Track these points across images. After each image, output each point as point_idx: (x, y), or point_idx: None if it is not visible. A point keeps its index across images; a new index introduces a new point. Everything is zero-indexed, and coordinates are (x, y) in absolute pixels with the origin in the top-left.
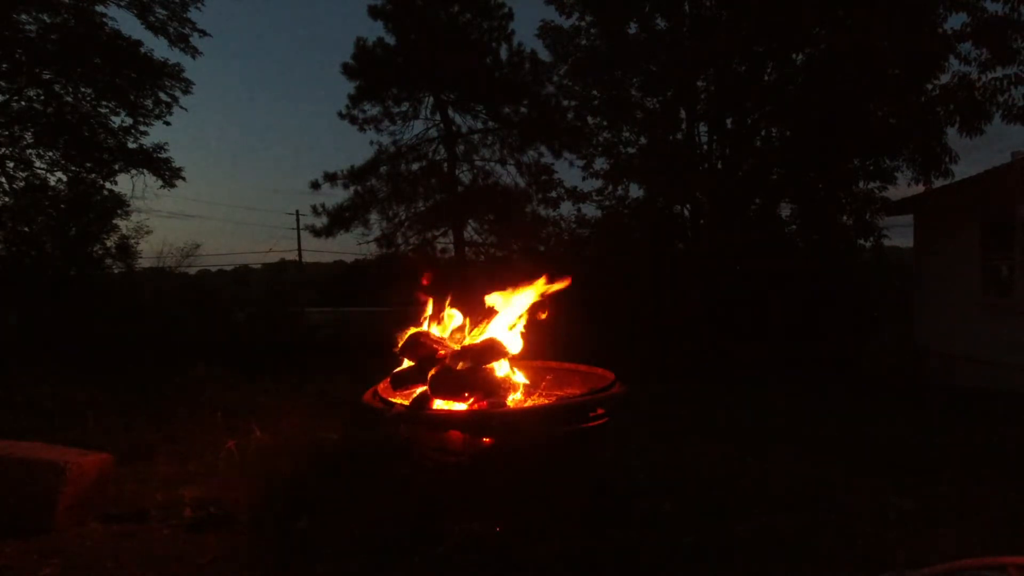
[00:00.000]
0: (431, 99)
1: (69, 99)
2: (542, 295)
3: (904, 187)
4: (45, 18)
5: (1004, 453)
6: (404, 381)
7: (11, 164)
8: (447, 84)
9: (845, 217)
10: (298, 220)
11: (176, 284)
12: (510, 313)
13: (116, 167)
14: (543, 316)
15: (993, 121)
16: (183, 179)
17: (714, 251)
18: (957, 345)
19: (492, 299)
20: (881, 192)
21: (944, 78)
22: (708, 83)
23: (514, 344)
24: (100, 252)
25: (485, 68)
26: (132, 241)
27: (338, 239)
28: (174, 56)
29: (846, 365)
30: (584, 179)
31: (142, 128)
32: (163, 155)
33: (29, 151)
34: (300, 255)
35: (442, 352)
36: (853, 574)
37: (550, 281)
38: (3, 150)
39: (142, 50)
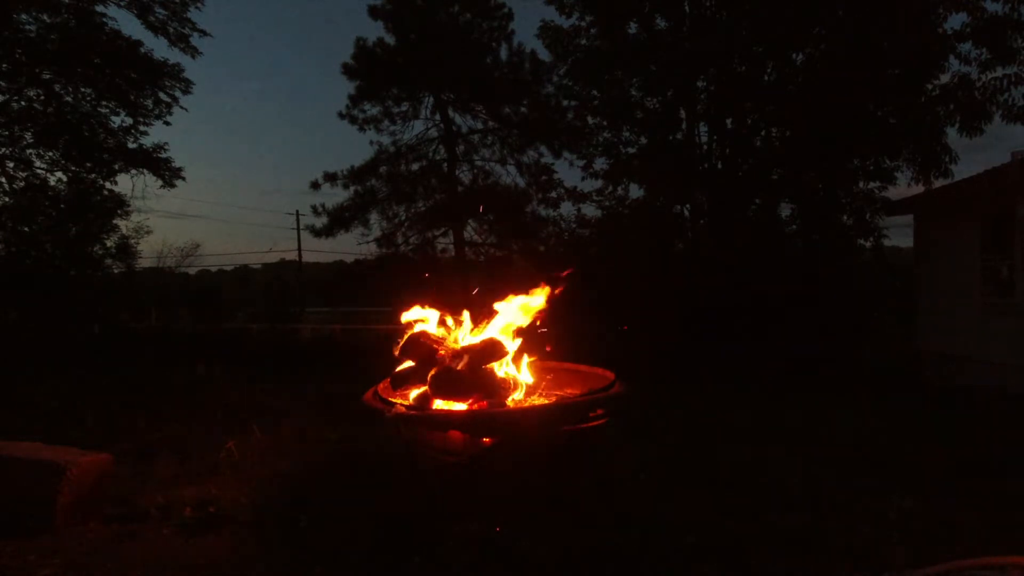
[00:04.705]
0: (431, 99)
1: (69, 99)
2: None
3: (904, 187)
4: (45, 18)
5: (1004, 453)
6: (404, 381)
7: (11, 164)
8: (447, 84)
9: (845, 217)
10: (298, 220)
11: (176, 284)
12: (511, 316)
13: (116, 167)
14: (543, 328)
15: (993, 121)
16: (183, 179)
17: (714, 251)
18: (957, 345)
19: (497, 304)
20: (881, 192)
21: (944, 78)
22: (708, 83)
23: (513, 345)
24: (100, 252)
25: (485, 68)
26: (132, 241)
27: (338, 239)
28: (174, 56)
29: (846, 365)
30: (584, 179)
31: (142, 128)
32: (163, 155)
33: (29, 151)
34: (300, 255)
35: (442, 352)
36: (853, 574)
37: (548, 284)
38: (3, 150)
39: (142, 50)
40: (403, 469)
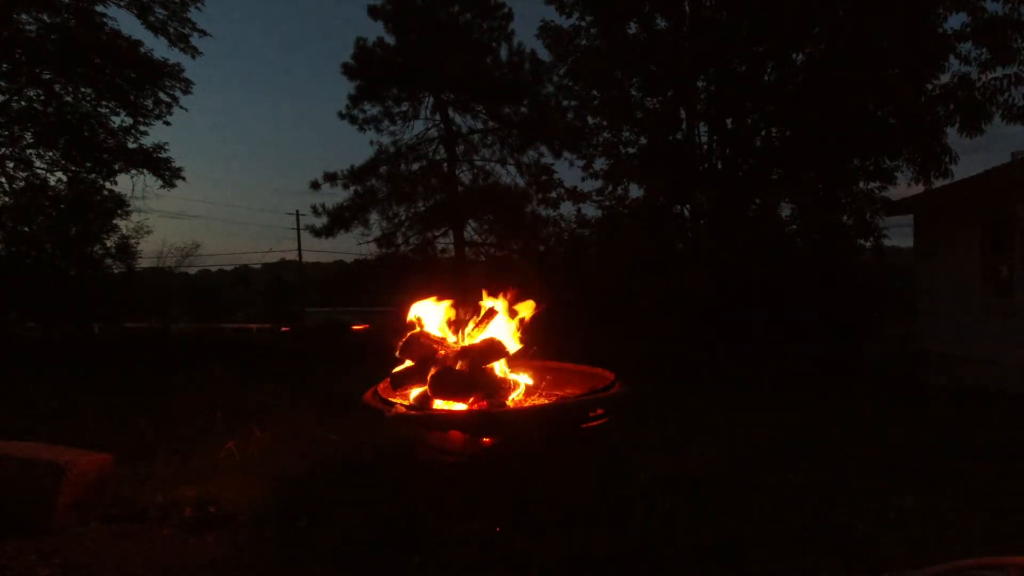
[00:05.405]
0: (431, 99)
1: (69, 99)
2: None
3: (904, 187)
4: (45, 18)
5: (1004, 453)
6: (404, 381)
7: (11, 164)
8: (447, 84)
9: (845, 217)
10: (298, 220)
11: (176, 284)
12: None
13: (116, 167)
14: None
15: (993, 121)
16: (183, 179)
17: (714, 251)
18: (957, 345)
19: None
20: (881, 192)
21: (944, 78)
22: (708, 83)
23: (513, 344)
24: (100, 252)
25: (485, 68)
26: (132, 241)
27: (338, 239)
28: (174, 56)
29: (846, 365)
30: (584, 179)
31: (142, 128)
32: (163, 155)
33: (29, 151)
34: (300, 255)
35: (442, 352)
36: (852, 574)
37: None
38: (3, 150)
39: (142, 50)
40: (403, 469)
